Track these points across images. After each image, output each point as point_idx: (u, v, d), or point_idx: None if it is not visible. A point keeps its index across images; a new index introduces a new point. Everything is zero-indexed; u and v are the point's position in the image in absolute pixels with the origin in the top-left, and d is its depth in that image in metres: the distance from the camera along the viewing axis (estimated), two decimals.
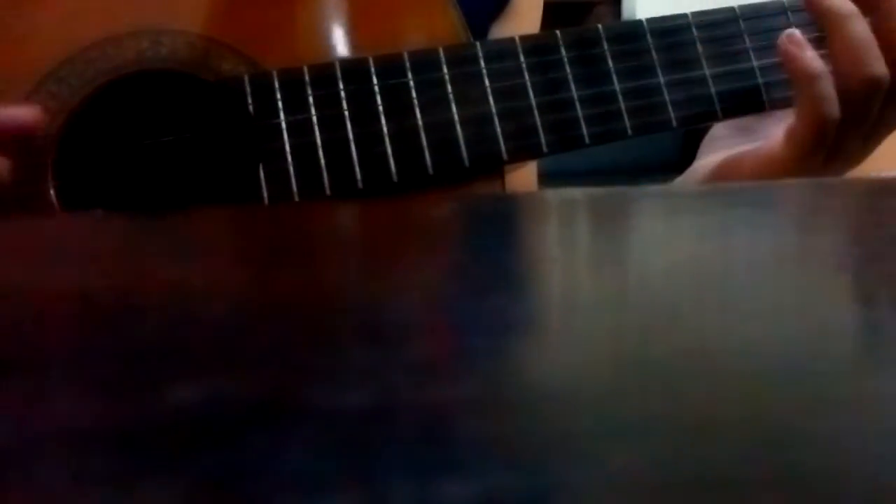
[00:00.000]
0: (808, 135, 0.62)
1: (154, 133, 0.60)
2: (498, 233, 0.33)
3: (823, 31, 0.63)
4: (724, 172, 0.69)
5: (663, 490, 0.12)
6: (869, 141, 0.65)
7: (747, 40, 0.64)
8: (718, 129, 0.70)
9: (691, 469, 0.12)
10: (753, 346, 0.18)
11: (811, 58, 0.62)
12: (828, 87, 0.61)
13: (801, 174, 0.63)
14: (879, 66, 0.61)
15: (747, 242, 0.29)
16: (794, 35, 0.63)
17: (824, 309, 0.21)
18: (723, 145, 0.70)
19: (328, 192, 0.57)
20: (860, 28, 0.62)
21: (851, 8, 0.63)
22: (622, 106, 0.61)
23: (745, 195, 0.38)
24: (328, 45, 0.60)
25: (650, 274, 0.25)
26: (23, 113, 0.55)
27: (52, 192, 0.56)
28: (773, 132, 0.65)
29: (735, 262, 0.26)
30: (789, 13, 0.66)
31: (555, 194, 0.45)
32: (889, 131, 0.65)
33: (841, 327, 0.20)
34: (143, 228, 0.35)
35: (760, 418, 0.14)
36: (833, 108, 0.61)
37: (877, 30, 0.62)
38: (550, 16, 0.69)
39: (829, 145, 0.62)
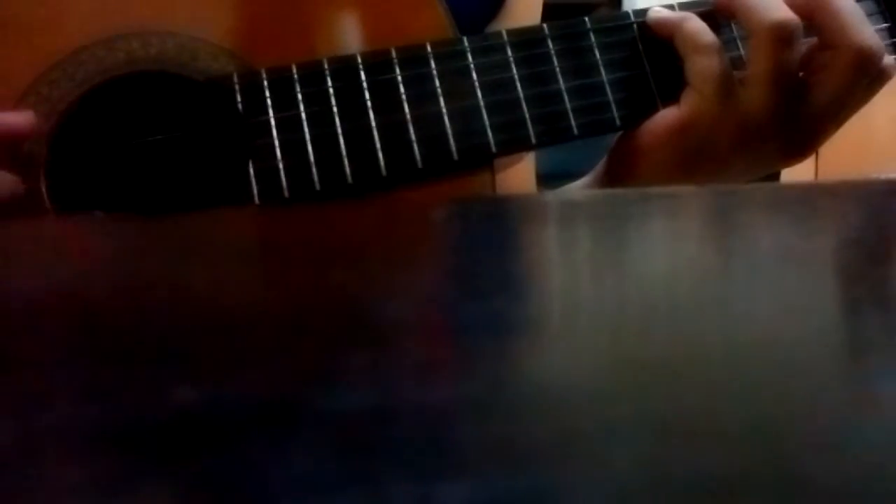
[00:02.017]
0: (714, 112, 0.61)
1: (145, 133, 0.60)
2: (497, 235, 0.33)
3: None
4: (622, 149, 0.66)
5: (663, 490, 0.12)
6: (807, 123, 0.63)
7: (734, 29, 0.65)
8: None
9: (691, 470, 0.12)
10: (752, 347, 0.18)
11: (697, 29, 0.62)
12: (715, 60, 0.61)
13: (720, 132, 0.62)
14: (782, 12, 0.61)
15: (746, 244, 0.29)
16: (672, 12, 0.63)
17: (823, 310, 0.21)
18: None
19: (318, 187, 0.57)
20: None
21: None
22: (610, 97, 0.62)
23: (744, 196, 0.38)
24: (317, 44, 0.60)
25: (649, 276, 0.25)
26: (15, 119, 0.55)
27: (44, 192, 0.56)
28: None
29: (734, 264, 0.26)
30: None
31: (554, 196, 0.45)
32: (829, 119, 0.63)
33: (840, 328, 0.20)
34: (144, 230, 0.35)
35: (760, 419, 0.14)
36: (726, 81, 0.61)
37: (810, 14, 0.62)
38: (551, 16, 0.69)
39: (744, 101, 0.61)
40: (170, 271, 0.27)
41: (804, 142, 0.64)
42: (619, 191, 0.44)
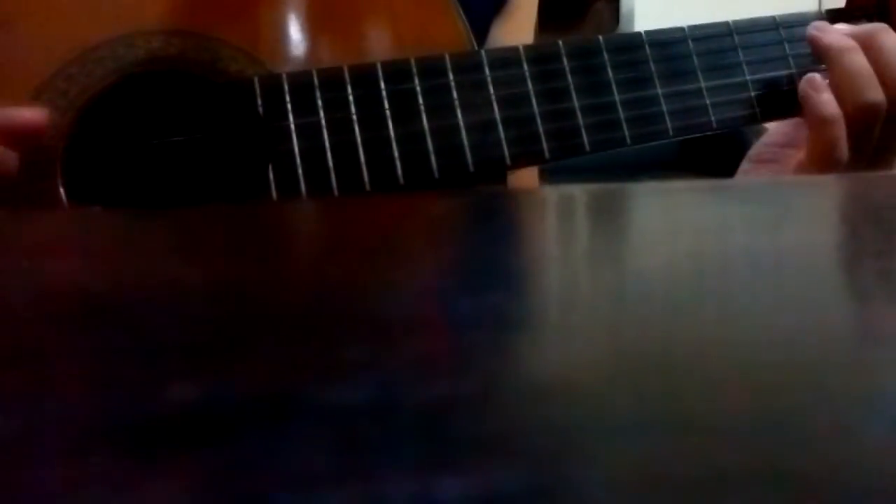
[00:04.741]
0: (816, 171, 0.65)
1: (163, 132, 0.60)
2: (497, 229, 0.33)
3: (825, 65, 0.66)
4: None
5: (663, 488, 0.12)
6: (875, 166, 0.67)
7: (741, 54, 0.66)
8: (758, 151, 0.72)
9: (691, 467, 0.12)
10: (752, 342, 0.18)
11: (827, 101, 0.65)
12: (839, 131, 0.64)
13: None
14: (877, 94, 0.64)
15: (745, 239, 0.29)
16: (814, 79, 0.66)
17: (823, 305, 0.21)
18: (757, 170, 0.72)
19: (336, 193, 0.57)
20: (858, 59, 0.65)
21: (850, 42, 0.66)
22: (621, 115, 0.62)
23: (744, 192, 0.38)
24: (337, 50, 0.61)
25: (649, 270, 0.25)
26: (30, 114, 0.55)
27: (60, 188, 0.57)
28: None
29: (733, 259, 0.26)
30: (781, 29, 0.68)
31: (554, 190, 0.45)
32: (891, 155, 0.67)
33: (840, 324, 0.20)
34: (143, 225, 0.35)
35: (759, 415, 0.14)
36: (843, 151, 0.64)
37: (873, 63, 0.65)
38: (548, 12, 0.70)
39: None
40: (168, 265, 0.27)
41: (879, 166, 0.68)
42: (617, 186, 0.45)
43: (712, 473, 0.12)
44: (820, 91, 0.65)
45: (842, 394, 0.15)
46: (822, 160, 0.64)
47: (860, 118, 0.64)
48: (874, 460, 0.12)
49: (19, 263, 0.28)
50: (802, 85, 0.66)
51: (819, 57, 0.66)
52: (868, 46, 0.65)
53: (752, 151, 0.71)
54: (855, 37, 0.66)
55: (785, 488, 0.12)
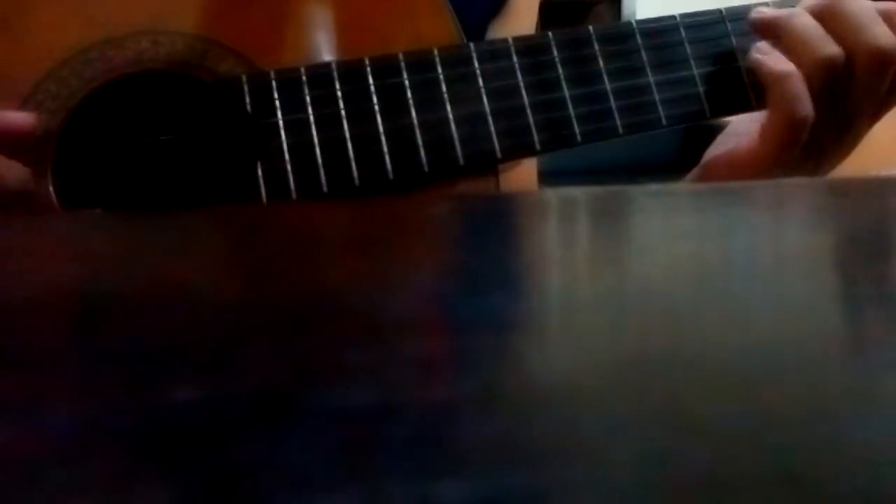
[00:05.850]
0: (782, 133, 0.63)
1: (153, 132, 0.61)
2: (497, 232, 0.33)
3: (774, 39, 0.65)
4: (704, 173, 0.70)
5: (663, 489, 0.12)
6: (843, 133, 0.66)
7: (734, 41, 0.66)
8: (733, 128, 0.71)
9: (691, 468, 0.12)
10: (752, 344, 0.18)
11: (777, 58, 0.64)
12: (797, 85, 0.63)
13: (777, 171, 0.64)
14: (831, 48, 0.63)
15: (747, 241, 0.29)
16: (760, 44, 0.65)
17: (824, 308, 0.21)
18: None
19: (325, 189, 0.57)
20: (805, 19, 0.64)
21: (794, 9, 0.65)
22: (613, 105, 0.62)
23: (745, 194, 0.38)
24: (325, 47, 0.61)
25: (649, 273, 0.25)
26: (18, 119, 0.56)
27: (51, 190, 0.57)
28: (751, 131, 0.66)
29: (734, 262, 0.26)
30: None
31: (554, 193, 0.45)
32: (861, 121, 0.66)
33: (840, 326, 0.20)
34: (142, 227, 0.35)
35: (759, 417, 0.14)
36: (805, 106, 0.63)
37: (828, 20, 0.64)
38: (549, 15, 0.70)
39: (803, 142, 0.64)
40: (168, 268, 0.27)
41: (840, 148, 0.66)
42: (618, 188, 0.45)
43: (713, 476, 0.12)
44: (768, 52, 0.64)
45: (841, 396, 0.15)
46: (784, 118, 0.63)
47: (821, 75, 0.63)
48: (872, 464, 0.12)
49: (17, 266, 0.28)
50: (750, 54, 0.65)
51: (768, 33, 0.65)
52: (822, 10, 0.64)
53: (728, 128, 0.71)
54: (811, 4, 0.65)
55: (784, 491, 0.12)
